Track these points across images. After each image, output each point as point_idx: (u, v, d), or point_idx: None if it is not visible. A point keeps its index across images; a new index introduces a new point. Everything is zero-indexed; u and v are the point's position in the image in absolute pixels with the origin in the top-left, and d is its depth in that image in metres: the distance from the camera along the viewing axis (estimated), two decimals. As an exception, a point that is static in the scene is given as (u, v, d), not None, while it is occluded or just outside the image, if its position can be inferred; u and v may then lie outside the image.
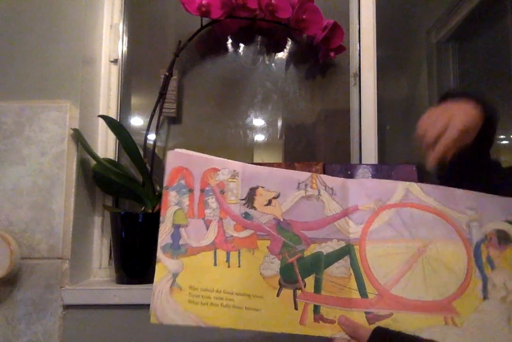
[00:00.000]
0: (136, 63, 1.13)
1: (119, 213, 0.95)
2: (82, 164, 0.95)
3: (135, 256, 0.93)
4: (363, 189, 0.60)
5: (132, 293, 0.88)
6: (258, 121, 1.13)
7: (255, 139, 1.13)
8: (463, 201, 0.60)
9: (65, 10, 0.95)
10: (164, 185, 0.56)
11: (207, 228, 0.55)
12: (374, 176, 0.99)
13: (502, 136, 1.21)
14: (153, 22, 1.15)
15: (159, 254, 0.53)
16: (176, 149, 0.57)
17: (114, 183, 0.95)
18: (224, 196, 0.57)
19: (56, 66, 0.94)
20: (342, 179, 0.60)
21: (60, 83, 0.93)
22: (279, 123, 1.13)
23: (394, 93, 1.20)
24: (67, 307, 0.87)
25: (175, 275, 0.52)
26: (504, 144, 1.21)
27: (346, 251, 0.57)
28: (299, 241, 0.56)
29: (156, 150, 1.05)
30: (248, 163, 0.59)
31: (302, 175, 0.60)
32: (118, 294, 0.87)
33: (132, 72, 1.13)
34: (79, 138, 0.92)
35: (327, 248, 0.56)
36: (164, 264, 0.52)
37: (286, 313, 0.53)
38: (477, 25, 1.23)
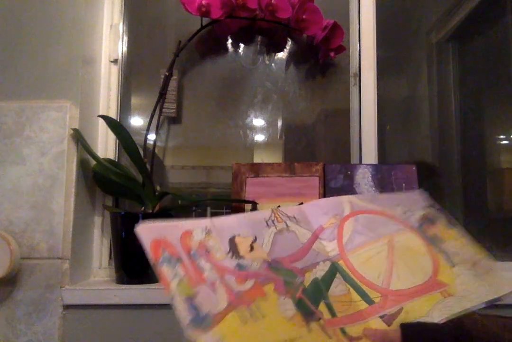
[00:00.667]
0: (136, 63, 1.13)
1: (119, 213, 0.95)
2: (82, 164, 0.95)
3: (135, 256, 0.93)
4: (318, 209, 0.66)
5: (132, 293, 0.88)
6: (258, 121, 1.13)
7: (255, 139, 1.12)
8: (390, 201, 0.70)
9: (65, 10, 0.95)
10: (152, 262, 0.53)
11: (215, 291, 0.52)
12: (374, 176, 0.99)
13: (502, 136, 1.21)
14: (153, 22, 1.15)
15: (190, 334, 0.47)
16: (141, 225, 0.55)
17: (114, 183, 0.95)
18: (211, 255, 0.55)
19: (56, 66, 0.94)
20: (297, 206, 0.66)
21: (60, 83, 0.93)
22: (279, 123, 1.13)
23: (394, 93, 1.20)
24: (67, 307, 0.87)
25: None
26: (504, 144, 1.21)
27: (334, 268, 0.59)
28: (294, 274, 0.57)
29: (156, 150, 1.05)
30: (213, 217, 0.59)
31: (265, 213, 0.62)
32: (118, 294, 0.87)
33: (132, 72, 1.13)
34: (79, 138, 0.92)
35: (319, 272, 0.58)
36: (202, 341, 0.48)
37: None
38: (477, 25, 1.23)
